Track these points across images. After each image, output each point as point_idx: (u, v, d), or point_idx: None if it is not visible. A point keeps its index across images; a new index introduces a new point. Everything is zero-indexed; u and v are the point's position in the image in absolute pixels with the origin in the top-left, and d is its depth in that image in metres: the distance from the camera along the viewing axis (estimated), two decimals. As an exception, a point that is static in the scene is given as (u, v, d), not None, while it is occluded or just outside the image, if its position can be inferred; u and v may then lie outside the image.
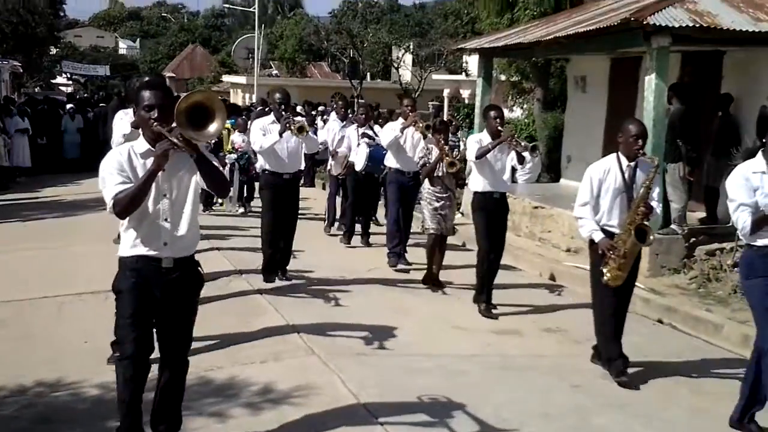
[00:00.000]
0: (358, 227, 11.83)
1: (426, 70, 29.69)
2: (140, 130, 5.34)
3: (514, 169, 8.88)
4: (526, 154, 8.30)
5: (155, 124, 4.27)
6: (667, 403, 6.07)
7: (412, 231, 10.60)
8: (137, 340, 4.38)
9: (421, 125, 9.81)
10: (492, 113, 8.44)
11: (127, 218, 4.38)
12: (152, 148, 4.29)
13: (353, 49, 31.87)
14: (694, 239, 10.37)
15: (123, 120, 7.34)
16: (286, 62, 45.41)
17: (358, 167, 11.40)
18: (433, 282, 9.27)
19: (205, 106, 4.21)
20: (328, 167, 12.67)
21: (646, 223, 6.33)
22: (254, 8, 33.17)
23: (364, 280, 9.54)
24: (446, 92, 31.79)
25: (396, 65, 30.72)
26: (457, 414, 5.57)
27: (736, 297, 8.85)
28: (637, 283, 9.38)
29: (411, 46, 29.67)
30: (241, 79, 39.23)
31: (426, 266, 9.36)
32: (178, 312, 4.53)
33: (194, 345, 5.01)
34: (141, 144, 4.43)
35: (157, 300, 4.44)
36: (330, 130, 12.60)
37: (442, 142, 9.06)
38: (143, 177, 4.24)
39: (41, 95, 31.56)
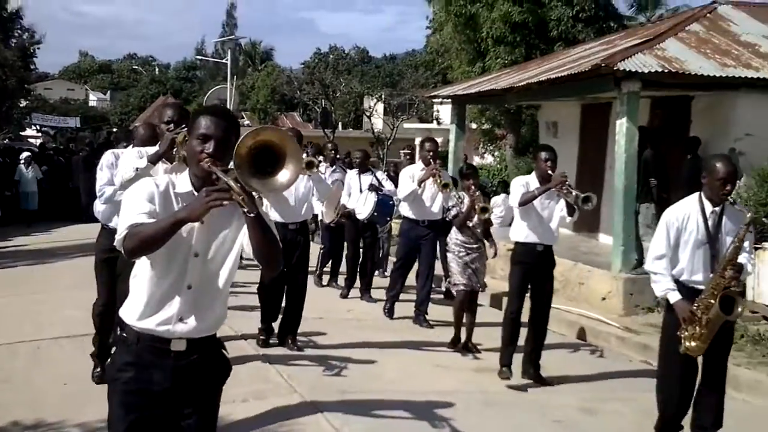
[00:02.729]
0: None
1: (398, 118, 30.04)
2: (170, 164, 5.25)
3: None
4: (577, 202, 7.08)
5: (209, 160, 3.23)
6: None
7: (433, 287, 9.92)
8: None
9: (440, 181, 8.96)
10: (543, 155, 7.29)
11: (141, 272, 3.31)
12: (195, 192, 3.25)
13: (325, 99, 32.17)
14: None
15: (130, 154, 6.01)
16: (258, 112, 45.68)
17: (363, 216, 10.77)
18: (463, 346, 8.42)
19: (276, 147, 3.23)
20: (319, 215, 11.72)
21: (734, 289, 5.33)
22: (226, 59, 33.41)
23: (341, 320, 9.55)
24: (418, 140, 32.10)
25: (368, 114, 31.05)
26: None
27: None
28: (611, 322, 9.60)
29: (383, 96, 30.02)
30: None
31: (453, 327, 8.57)
32: (195, 411, 3.35)
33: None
34: (183, 182, 3.35)
35: (161, 395, 3.29)
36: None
37: (473, 188, 8.26)
38: (169, 218, 3.10)
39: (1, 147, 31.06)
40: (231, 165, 3.23)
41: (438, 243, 9.75)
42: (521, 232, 7.35)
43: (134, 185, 3.32)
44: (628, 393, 7.20)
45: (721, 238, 5.44)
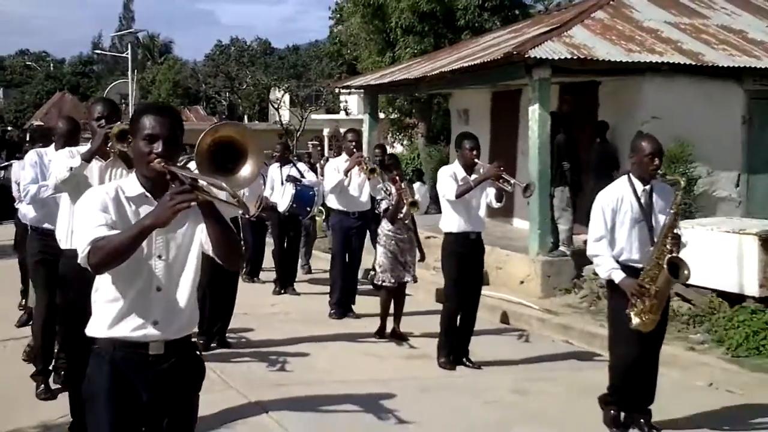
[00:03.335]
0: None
1: (306, 110, 29.97)
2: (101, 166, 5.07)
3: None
4: (513, 189, 7.20)
5: (160, 161, 3.12)
6: (579, 412, 6.34)
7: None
8: None
9: (366, 166, 9.04)
10: (467, 143, 7.34)
11: (104, 284, 3.19)
12: (147, 193, 3.20)
13: (231, 92, 31.86)
14: (581, 260, 10.85)
15: (62, 153, 5.56)
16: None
17: (282, 208, 10.61)
18: (391, 334, 8.48)
19: (236, 142, 3.25)
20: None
21: (677, 255, 5.43)
22: (127, 53, 32.73)
23: (267, 315, 9.56)
24: (326, 131, 32.16)
25: (276, 106, 30.88)
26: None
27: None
28: (531, 304, 9.84)
29: (290, 87, 29.91)
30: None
31: (380, 318, 8.57)
32: (174, 417, 3.28)
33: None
34: (132, 185, 3.23)
35: (144, 404, 3.21)
36: None
37: (398, 179, 8.28)
38: (135, 228, 2.97)
39: None
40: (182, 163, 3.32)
41: (369, 232, 9.77)
42: (452, 222, 7.35)
43: (84, 198, 3.18)
44: (554, 372, 7.44)
45: (655, 214, 5.61)
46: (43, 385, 6.30)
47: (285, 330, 8.80)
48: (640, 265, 5.52)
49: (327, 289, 9.87)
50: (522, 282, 10.66)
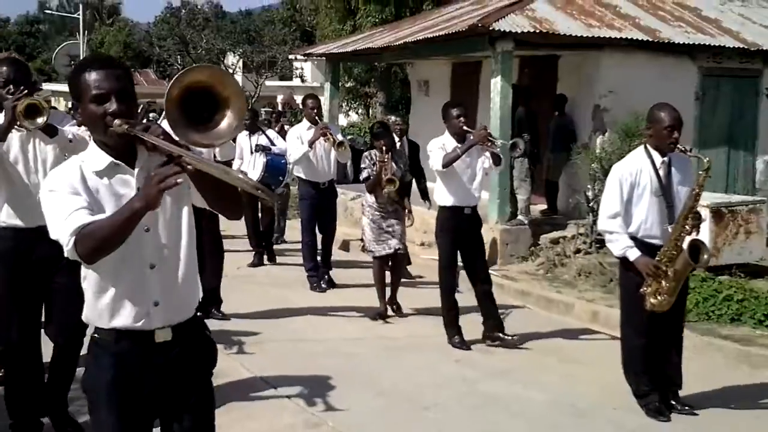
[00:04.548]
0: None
1: (262, 76, 29.86)
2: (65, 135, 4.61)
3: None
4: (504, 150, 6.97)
5: (120, 123, 2.68)
6: (542, 370, 6.68)
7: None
8: None
9: (332, 138, 8.83)
10: (454, 111, 7.05)
11: (91, 271, 2.80)
12: (116, 161, 2.77)
13: (185, 55, 31.54)
14: (538, 229, 11.20)
15: None
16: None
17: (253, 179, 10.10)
18: (388, 302, 8.19)
19: (210, 87, 2.72)
20: None
21: (698, 237, 5.27)
22: (78, 14, 32.17)
23: (241, 277, 9.66)
24: (280, 98, 32.09)
25: (232, 71, 30.69)
26: (359, 386, 5.98)
27: (581, 279, 9.73)
28: (491, 270, 10.12)
29: (246, 52, 29.73)
30: (64, 87, 37.90)
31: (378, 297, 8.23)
32: (189, 411, 2.95)
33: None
34: (96, 158, 2.79)
35: (154, 395, 2.89)
36: None
37: (384, 149, 7.94)
38: (125, 212, 2.56)
39: None
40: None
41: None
42: (446, 196, 7.10)
43: (46, 185, 2.75)
44: (514, 334, 7.67)
45: (673, 188, 5.40)
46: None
47: (257, 294, 8.93)
48: (658, 242, 5.34)
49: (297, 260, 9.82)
50: (481, 249, 10.94)
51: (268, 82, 31.73)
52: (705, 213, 8.84)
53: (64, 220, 2.62)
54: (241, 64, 31.94)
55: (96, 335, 2.89)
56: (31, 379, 4.77)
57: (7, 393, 4.83)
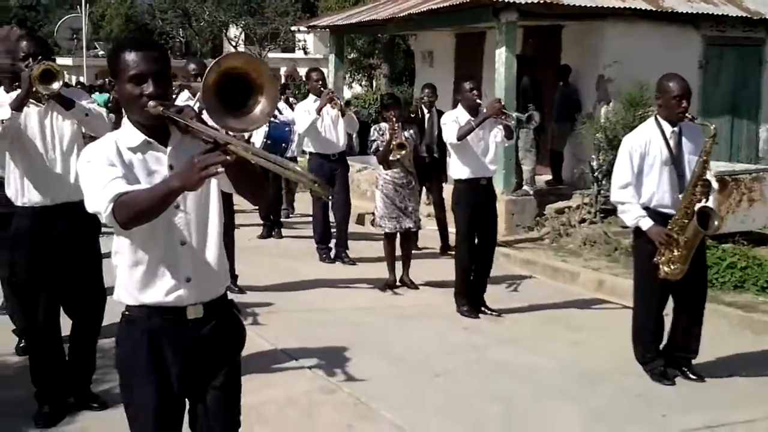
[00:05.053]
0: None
1: (265, 48, 29.81)
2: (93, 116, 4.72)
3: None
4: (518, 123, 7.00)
5: (154, 103, 2.74)
6: (549, 337, 6.83)
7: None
8: None
9: (338, 102, 8.91)
10: (467, 85, 7.20)
11: (124, 246, 2.86)
12: (149, 139, 2.83)
13: (188, 28, 31.47)
14: (543, 199, 11.31)
15: None
16: (112, 42, 44.06)
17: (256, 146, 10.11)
18: (400, 280, 8.28)
19: (244, 74, 2.77)
20: None
21: (707, 204, 5.31)
22: (80, -14, 32.03)
23: (251, 248, 9.72)
24: (283, 70, 32.00)
25: (235, 44, 30.66)
26: (371, 355, 6.14)
27: (586, 249, 9.86)
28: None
29: (249, 24, 29.65)
30: (67, 61, 37.84)
31: (388, 269, 8.31)
32: (217, 389, 2.97)
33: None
34: (130, 135, 2.85)
35: (186, 373, 2.92)
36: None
37: (394, 119, 7.91)
38: (163, 188, 2.62)
39: None
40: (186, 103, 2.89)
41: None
42: (461, 168, 7.18)
43: (85, 156, 2.81)
44: (522, 303, 7.83)
45: (684, 157, 5.45)
46: None
47: (267, 266, 9.03)
48: (671, 211, 5.41)
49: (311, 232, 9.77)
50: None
51: (270, 54, 31.63)
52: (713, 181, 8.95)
53: (102, 189, 2.67)
54: (243, 36, 31.89)
55: (127, 312, 2.91)
56: (54, 354, 4.87)
57: (32, 365, 4.92)
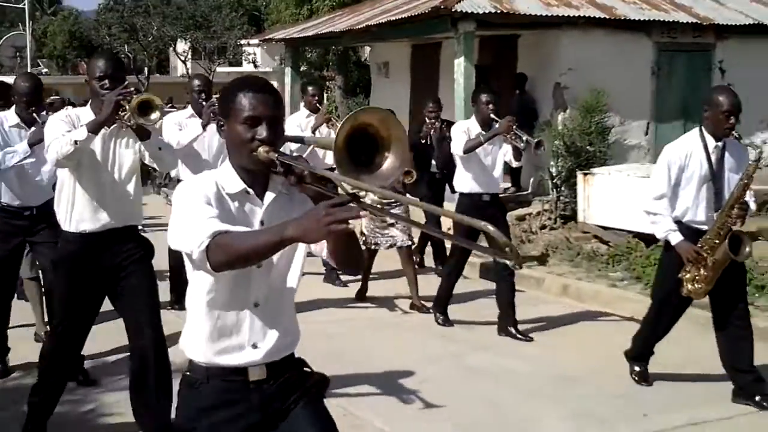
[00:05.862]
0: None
1: (214, 62, 29.68)
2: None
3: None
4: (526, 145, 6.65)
5: (267, 150, 2.57)
6: (522, 343, 6.92)
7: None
8: None
9: (336, 124, 8.02)
10: (484, 97, 6.91)
11: (198, 293, 2.67)
12: (248, 189, 2.65)
13: (136, 43, 31.20)
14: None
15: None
16: (56, 60, 43.52)
17: None
18: (410, 306, 7.89)
19: (374, 129, 2.58)
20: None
21: (741, 228, 5.16)
22: (22, 4, 31.63)
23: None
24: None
25: (183, 58, 30.48)
26: (353, 366, 6.13)
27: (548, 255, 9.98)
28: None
29: (198, 39, 29.49)
30: (9, 79, 37.21)
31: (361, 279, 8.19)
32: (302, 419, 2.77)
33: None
34: (230, 180, 2.66)
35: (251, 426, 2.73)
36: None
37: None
38: (274, 234, 2.35)
39: None
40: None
41: None
42: (465, 182, 6.97)
43: (181, 190, 2.64)
44: (491, 309, 7.49)
45: (724, 174, 5.26)
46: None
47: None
48: (703, 227, 5.27)
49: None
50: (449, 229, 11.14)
51: (219, 69, 31.58)
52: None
53: (197, 225, 2.46)
54: (191, 51, 31.73)
55: (188, 372, 2.75)
56: (66, 366, 4.78)
57: (41, 360, 4.78)
